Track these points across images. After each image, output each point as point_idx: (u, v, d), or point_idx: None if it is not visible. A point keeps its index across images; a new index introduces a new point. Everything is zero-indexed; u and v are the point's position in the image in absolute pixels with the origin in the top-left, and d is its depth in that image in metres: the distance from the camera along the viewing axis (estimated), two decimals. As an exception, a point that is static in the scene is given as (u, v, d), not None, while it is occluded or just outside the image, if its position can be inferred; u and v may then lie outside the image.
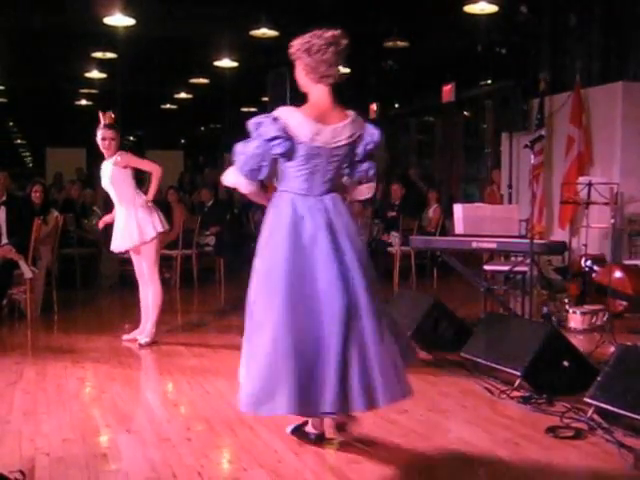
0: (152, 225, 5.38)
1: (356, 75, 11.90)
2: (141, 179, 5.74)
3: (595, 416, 3.50)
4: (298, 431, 3.34)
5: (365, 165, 3.29)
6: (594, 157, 7.95)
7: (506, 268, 6.53)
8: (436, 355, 4.92)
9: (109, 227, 5.74)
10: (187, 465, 3.04)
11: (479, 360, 4.40)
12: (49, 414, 3.77)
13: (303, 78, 3.17)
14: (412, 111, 12.88)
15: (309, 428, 3.30)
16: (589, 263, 6.65)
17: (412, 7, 9.01)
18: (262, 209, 3.45)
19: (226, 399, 3.97)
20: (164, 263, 6.46)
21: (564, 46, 8.83)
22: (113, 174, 5.35)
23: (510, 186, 8.76)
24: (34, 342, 5.81)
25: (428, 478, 3.02)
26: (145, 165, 5.52)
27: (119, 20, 8.87)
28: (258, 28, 9.27)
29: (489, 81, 9.88)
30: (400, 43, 10.06)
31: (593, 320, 5.89)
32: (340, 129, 3.09)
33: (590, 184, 6.29)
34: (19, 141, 24.21)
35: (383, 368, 2.98)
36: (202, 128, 20.98)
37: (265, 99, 9.48)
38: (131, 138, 19.85)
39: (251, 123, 3.06)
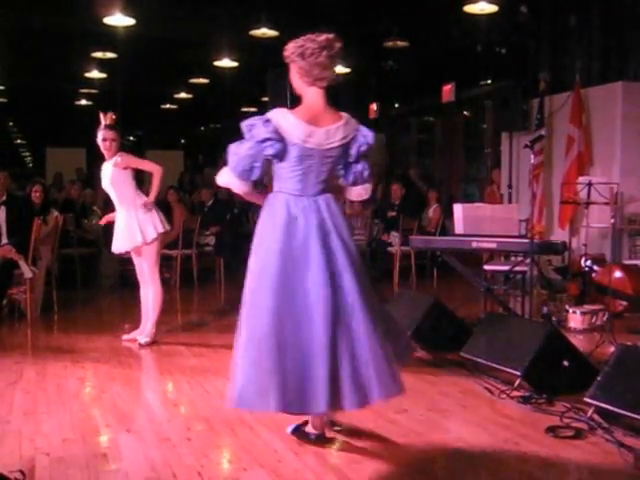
0: (153, 226, 5.39)
1: (356, 75, 11.93)
2: (141, 179, 5.74)
3: (595, 416, 3.50)
4: (298, 431, 3.34)
5: (359, 166, 3.35)
6: (594, 157, 7.95)
7: (506, 268, 6.53)
8: (436, 355, 4.92)
9: (109, 228, 5.74)
10: (187, 465, 3.04)
11: (479, 360, 4.40)
12: (49, 414, 3.77)
13: (297, 81, 3.22)
14: (412, 111, 12.88)
15: (309, 428, 3.31)
16: (589, 263, 6.66)
17: (412, 7, 9.02)
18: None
19: (226, 399, 3.97)
20: (164, 263, 6.46)
21: (564, 46, 8.84)
22: (113, 175, 5.35)
23: (510, 186, 8.76)
24: (34, 342, 5.81)
25: (428, 478, 3.02)
26: (145, 165, 5.52)
27: (119, 20, 8.87)
28: (258, 28, 9.27)
29: (489, 81, 9.88)
30: (400, 43, 10.06)
31: (593, 320, 5.89)
32: (333, 131, 3.15)
33: (590, 184, 6.28)
34: (19, 141, 24.19)
35: (375, 366, 3.01)
36: (202, 128, 20.97)
37: (265, 99, 9.49)
38: (131, 138, 19.85)
39: (244, 125, 3.10)
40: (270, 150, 3.07)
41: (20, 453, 3.19)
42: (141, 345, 5.42)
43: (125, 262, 7.54)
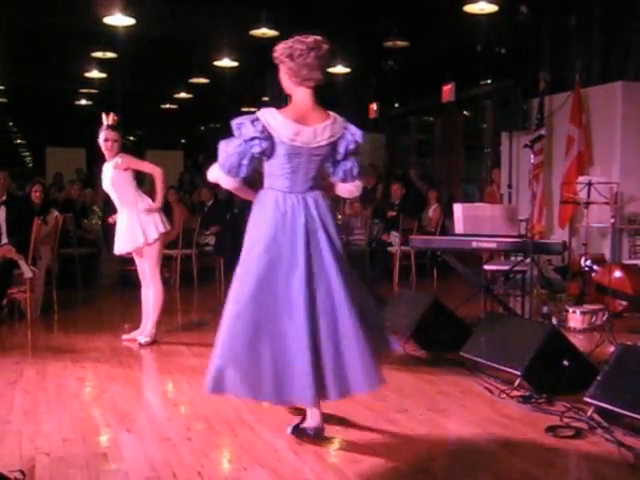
0: (154, 226, 5.39)
1: (356, 75, 11.93)
2: (141, 180, 5.74)
3: (595, 415, 3.50)
4: (297, 430, 3.35)
5: (349, 163, 3.42)
6: (594, 157, 7.96)
7: (506, 268, 6.53)
8: (436, 355, 4.92)
9: (109, 228, 5.74)
10: (187, 465, 3.04)
11: (479, 360, 4.40)
12: (49, 414, 3.78)
13: (286, 81, 3.31)
14: (412, 111, 12.88)
15: (307, 424, 3.32)
16: (589, 263, 6.66)
17: (412, 7, 9.02)
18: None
19: (226, 399, 3.96)
20: (164, 263, 6.46)
21: (564, 46, 8.84)
22: (114, 177, 5.35)
23: (510, 186, 8.76)
24: (34, 342, 5.81)
25: (428, 477, 3.02)
26: (146, 167, 5.52)
27: (119, 20, 8.87)
28: (258, 28, 9.28)
29: (489, 81, 9.88)
30: (400, 43, 10.06)
31: (593, 320, 5.89)
32: (321, 130, 3.23)
33: (590, 184, 6.28)
34: (19, 141, 24.19)
35: (358, 359, 3.13)
36: (202, 128, 20.98)
37: (265, 99, 9.49)
38: (131, 138, 19.85)
39: (234, 123, 3.21)
40: (257, 148, 3.17)
41: (20, 453, 3.19)
42: (141, 345, 5.42)
43: (125, 262, 7.54)
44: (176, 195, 9.85)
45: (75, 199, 10.64)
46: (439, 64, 10.95)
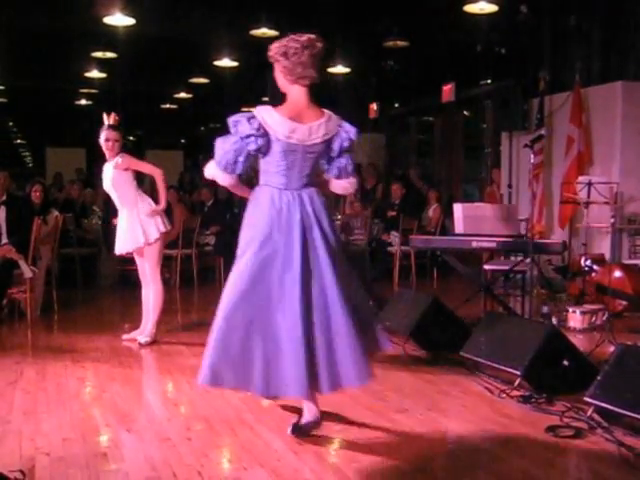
0: (155, 226, 5.39)
1: (356, 75, 11.92)
2: (142, 180, 5.74)
3: (595, 415, 3.50)
4: (297, 428, 3.36)
5: (343, 160, 3.46)
6: (594, 157, 7.96)
7: (506, 268, 6.54)
8: (436, 354, 4.92)
9: (109, 228, 5.74)
10: (187, 464, 3.04)
11: (479, 359, 4.41)
12: (49, 413, 3.78)
13: (281, 79, 3.36)
14: (412, 111, 12.87)
15: (304, 419, 3.35)
16: (589, 263, 6.66)
17: (412, 7, 9.01)
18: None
19: (226, 398, 3.98)
20: (164, 263, 6.46)
21: (564, 46, 8.83)
22: (114, 177, 5.36)
23: (510, 186, 8.77)
24: (34, 342, 5.81)
25: (428, 477, 3.02)
26: (145, 168, 5.52)
27: (119, 20, 8.86)
28: (258, 28, 9.27)
29: (489, 81, 9.87)
30: (400, 43, 10.05)
31: (593, 319, 5.89)
32: (316, 127, 3.28)
33: (590, 183, 6.28)
34: (19, 141, 24.20)
35: (349, 354, 3.19)
36: (202, 128, 20.98)
37: (265, 99, 9.49)
38: (131, 138, 19.85)
39: (230, 120, 3.26)
40: (253, 145, 3.22)
41: (20, 453, 3.19)
42: (141, 345, 5.42)
43: (125, 262, 7.54)
44: (176, 195, 9.85)
45: (75, 199, 10.64)
46: (439, 64, 10.94)
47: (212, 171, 3.35)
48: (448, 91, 10.04)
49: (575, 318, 5.89)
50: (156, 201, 5.55)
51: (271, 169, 3.30)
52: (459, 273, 6.27)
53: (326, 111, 3.36)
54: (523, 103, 8.55)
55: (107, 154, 5.41)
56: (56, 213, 7.42)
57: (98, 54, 11.01)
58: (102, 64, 11.99)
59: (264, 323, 3.17)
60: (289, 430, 3.36)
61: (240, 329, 3.16)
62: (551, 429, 3.44)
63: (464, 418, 3.72)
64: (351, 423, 3.57)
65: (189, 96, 15.74)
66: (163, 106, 17.86)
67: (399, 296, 5.79)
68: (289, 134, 3.22)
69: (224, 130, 3.34)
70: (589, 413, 3.53)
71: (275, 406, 3.79)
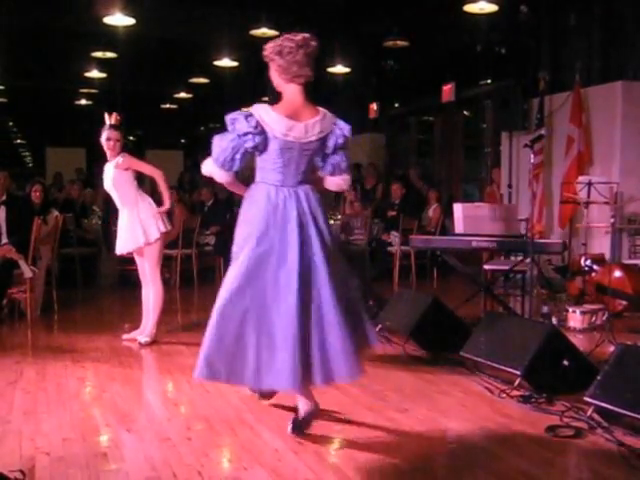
0: (155, 226, 5.39)
1: (356, 75, 11.92)
2: (142, 179, 5.74)
3: (595, 415, 3.50)
4: (296, 424, 3.39)
5: (337, 157, 3.49)
6: (594, 156, 7.96)
7: (506, 267, 6.54)
8: (436, 354, 4.92)
9: (109, 228, 5.74)
10: (187, 464, 3.04)
11: (479, 359, 4.40)
12: (49, 413, 3.78)
13: (276, 78, 3.40)
14: (412, 111, 12.87)
15: (300, 413, 3.38)
16: (589, 262, 6.66)
17: (412, 7, 9.02)
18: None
19: (226, 398, 3.98)
20: (164, 263, 6.46)
21: (564, 46, 8.84)
22: (115, 176, 5.36)
23: (510, 185, 8.77)
24: (34, 342, 5.81)
25: (428, 477, 3.02)
26: (146, 169, 5.52)
27: (119, 20, 8.87)
28: (258, 28, 9.28)
29: (489, 81, 9.88)
30: (400, 43, 10.06)
31: (593, 319, 5.89)
32: (311, 125, 3.32)
33: (590, 183, 6.29)
34: (19, 141, 24.21)
35: (341, 350, 3.23)
36: (202, 128, 20.98)
37: (265, 99, 9.49)
38: (131, 138, 19.85)
39: (228, 118, 3.29)
40: (250, 143, 3.25)
41: (20, 453, 3.19)
42: (141, 345, 5.42)
43: (125, 262, 7.53)
44: (176, 195, 9.83)
45: (75, 199, 10.64)
46: (439, 64, 10.95)
47: (209, 168, 3.39)
48: (448, 91, 10.04)
49: (575, 318, 5.89)
50: (156, 201, 5.56)
51: (267, 166, 3.34)
52: (459, 273, 6.27)
53: (321, 109, 3.40)
54: (523, 103, 8.55)
55: (108, 154, 5.41)
56: (56, 213, 7.42)
57: (98, 54, 11.03)
58: (102, 64, 12.00)
59: (259, 317, 3.21)
60: (289, 429, 3.37)
61: (235, 323, 3.22)
62: (551, 429, 3.44)
63: (464, 418, 3.72)
64: (351, 423, 3.57)
65: (189, 96, 15.75)
66: (163, 106, 17.87)
67: (399, 296, 5.79)
68: (286, 132, 3.26)
69: (224, 130, 3.36)
70: (589, 413, 3.53)
71: (275, 406, 3.79)
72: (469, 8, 8.18)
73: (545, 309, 6.19)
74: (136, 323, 5.73)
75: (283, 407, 3.74)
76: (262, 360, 3.18)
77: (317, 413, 3.41)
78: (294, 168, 3.34)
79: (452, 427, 3.63)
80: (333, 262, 3.33)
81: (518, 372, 3.98)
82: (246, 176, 3.76)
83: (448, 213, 7.81)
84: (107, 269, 9.24)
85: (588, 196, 6.29)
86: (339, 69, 11.43)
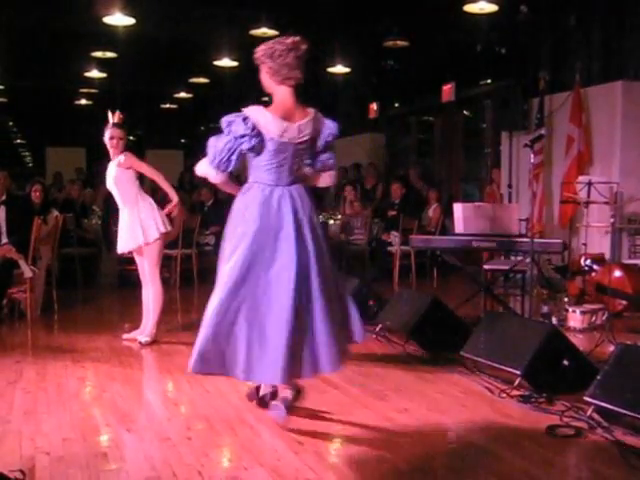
0: (155, 226, 5.39)
1: (356, 75, 11.92)
2: (141, 179, 5.75)
3: (595, 415, 3.50)
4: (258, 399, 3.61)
5: (325, 155, 3.65)
6: (594, 156, 7.96)
7: (506, 267, 6.54)
8: (436, 354, 4.92)
9: (109, 228, 5.75)
10: (187, 464, 3.04)
11: (479, 359, 4.41)
12: (49, 413, 3.78)
13: (267, 80, 3.49)
14: (412, 111, 12.87)
15: (282, 396, 3.53)
16: (589, 262, 6.66)
17: (412, 7, 9.01)
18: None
19: (226, 398, 3.98)
20: (164, 263, 6.46)
21: (564, 46, 8.83)
22: (117, 175, 5.37)
23: (510, 185, 8.77)
24: (34, 341, 5.81)
25: (428, 477, 3.02)
26: (146, 171, 5.51)
27: (119, 20, 8.86)
28: (258, 28, 9.27)
29: (489, 81, 9.88)
30: (400, 43, 10.05)
31: (593, 319, 5.89)
32: (304, 126, 3.43)
33: (590, 183, 6.29)
34: (19, 141, 24.21)
35: (328, 344, 3.34)
36: (202, 128, 20.99)
37: (265, 99, 9.49)
38: (131, 138, 19.85)
39: (224, 121, 3.36)
40: (247, 145, 3.34)
41: (20, 452, 3.19)
42: (141, 344, 5.42)
43: (125, 262, 7.54)
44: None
45: (75, 199, 10.64)
46: (439, 64, 10.95)
47: (204, 169, 3.48)
48: (448, 91, 10.05)
49: (575, 318, 5.89)
50: (156, 201, 5.57)
51: (262, 166, 3.42)
52: (459, 273, 6.27)
53: (310, 109, 3.49)
54: (523, 103, 8.56)
55: (111, 152, 5.43)
56: (56, 213, 7.43)
57: (98, 54, 11.02)
58: (102, 64, 11.99)
59: (252, 314, 3.30)
60: (274, 411, 3.49)
61: (230, 320, 3.30)
62: (551, 429, 3.44)
63: (464, 418, 3.72)
64: (351, 423, 3.57)
65: (189, 96, 15.74)
66: (163, 106, 17.86)
67: (399, 296, 5.80)
68: (281, 133, 3.35)
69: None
70: (589, 413, 3.53)
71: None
72: (469, 8, 8.18)
73: (545, 309, 6.19)
74: (136, 323, 5.73)
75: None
76: (253, 355, 3.26)
77: (300, 396, 3.59)
78: (287, 168, 3.43)
79: (452, 427, 3.63)
80: (325, 258, 3.44)
81: (518, 372, 3.99)
82: (235, 175, 3.79)
83: (448, 213, 7.82)
84: (107, 269, 9.24)
85: (588, 196, 6.29)
86: (339, 69, 11.43)
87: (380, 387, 4.23)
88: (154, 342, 5.47)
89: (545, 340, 4.03)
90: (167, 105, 17.77)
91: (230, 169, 3.43)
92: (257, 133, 3.32)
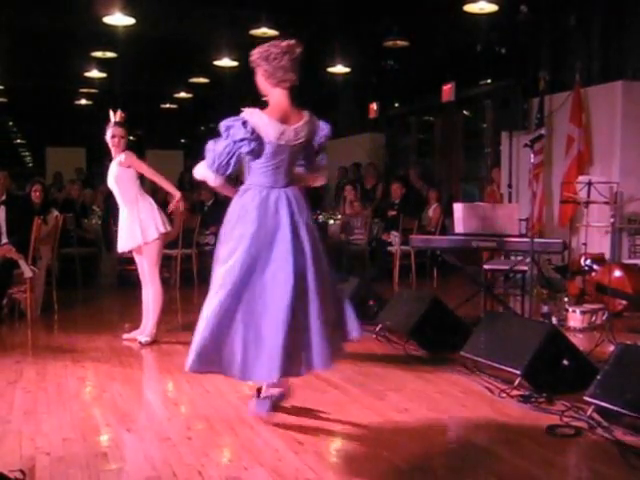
0: (155, 226, 5.40)
1: (356, 75, 11.92)
2: (142, 179, 5.75)
3: (595, 415, 3.50)
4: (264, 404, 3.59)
5: (319, 156, 3.72)
6: (594, 156, 7.96)
7: (506, 267, 6.54)
8: (436, 354, 4.92)
9: (109, 228, 5.75)
10: (187, 464, 3.04)
11: (479, 359, 4.41)
12: (49, 413, 3.78)
13: (263, 83, 3.53)
14: (412, 111, 12.87)
15: (273, 393, 3.61)
16: (589, 262, 6.66)
17: (412, 6, 9.01)
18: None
19: (226, 398, 3.98)
20: (164, 263, 6.46)
21: (564, 46, 8.84)
22: (118, 173, 5.38)
23: (510, 185, 8.77)
24: (34, 341, 5.81)
25: (428, 477, 3.02)
26: (146, 171, 5.51)
27: (119, 19, 8.87)
28: (258, 28, 9.27)
29: (489, 80, 9.88)
30: (400, 43, 10.06)
31: (593, 319, 5.89)
32: (300, 128, 3.47)
33: (590, 183, 6.29)
34: (19, 141, 24.20)
35: (321, 341, 3.37)
36: (202, 128, 20.99)
37: (265, 98, 9.48)
38: (131, 138, 19.85)
39: (222, 125, 3.39)
40: (246, 148, 3.36)
41: (20, 452, 3.19)
42: (141, 344, 5.42)
43: (125, 262, 7.53)
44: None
45: (75, 199, 10.64)
46: (439, 64, 10.94)
47: (203, 172, 3.51)
48: (448, 91, 10.04)
49: (575, 318, 5.89)
50: (156, 201, 5.57)
51: (259, 169, 3.45)
52: (459, 273, 6.27)
53: (305, 111, 3.53)
54: (523, 103, 8.56)
55: (113, 150, 5.44)
56: (56, 213, 7.43)
57: (98, 54, 11.02)
58: (102, 64, 11.99)
59: (250, 314, 3.33)
60: (256, 407, 3.58)
61: (228, 321, 3.34)
62: (551, 428, 3.44)
63: (464, 418, 3.72)
64: (351, 423, 3.57)
65: (189, 96, 15.74)
66: (163, 106, 17.86)
67: (399, 296, 5.80)
68: (279, 136, 3.39)
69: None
70: (589, 412, 3.53)
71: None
72: (469, 8, 8.18)
73: (545, 309, 6.19)
74: (136, 323, 5.73)
75: (283, 408, 3.74)
76: (250, 354, 3.30)
77: (287, 398, 3.68)
78: (284, 170, 3.48)
79: (452, 427, 3.64)
80: (320, 260, 3.48)
81: (518, 372, 3.99)
82: (235, 175, 3.81)
83: (448, 213, 7.82)
84: (107, 269, 9.24)
85: (588, 196, 6.30)
86: (339, 69, 11.43)
87: (380, 387, 4.23)
88: (154, 342, 5.47)
89: (545, 340, 4.03)
90: (167, 105, 17.77)
91: (228, 172, 3.46)
92: (256, 137, 3.35)
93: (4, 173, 6.84)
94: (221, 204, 10.26)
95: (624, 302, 6.29)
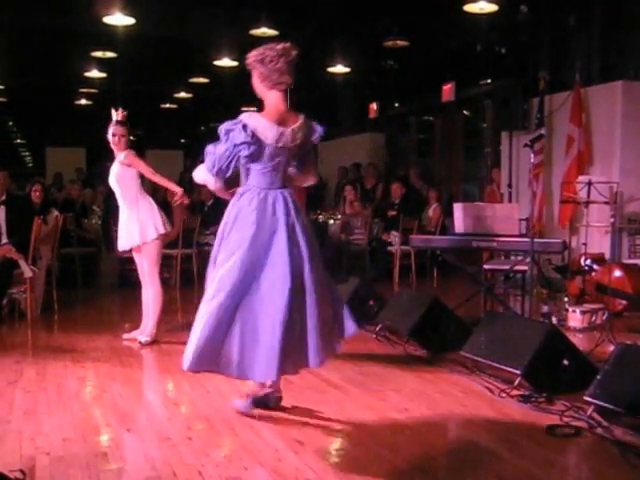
0: (154, 226, 5.39)
1: (356, 75, 11.92)
2: (143, 180, 5.76)
3: (595, 415, 3.50)
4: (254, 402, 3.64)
5: (311, 157, 3.79)
6: (594, 156, 7.96)
7: (506, 267, 6.54)
8: (436, 354, 4.92)
9: (109, 228, 5.75)
10: (187, 464, 3.04)
11: (479, 359, 4.41)
12: (49, 413, 3.78)
13: (258, 85, 3.56)
14: (412, 111, 12.88)
15: (266, 393, 3.65)
16: (589, 262, 6.66)
17: (412, 6, 9.02)
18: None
19: (226, 398, 3.98)
20: (164, 262, 6.46)
21: (564, 46, 8.84)
22: (119, 172, 5.39)
23: (510, 185, 8.77)
24: (34, 341, 5.81)
25: (428, 477, 3.02)
26: (145, 171, 5.50)
27: (119, 19, 8.87)
28: (258, 28, 9.28)
29: (489, 80, 9.88)
30: (400, 43, 10.06)
31: (593, 319, 5.89)
32: (297, 130, 3.51)
33: (590, 183, 6.29)
34: (19, 141, 24.20)
35: (315, 339, 3.41)
36: (202, 128, 20.99)
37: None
38: (131, 138, 19.84)
39: (222, 129, 3.43)
40: (245, 152, 3.40)
41: (20, 452, 3.19)
42: (141, 344, 5.42)
43: (125, 262, 7.53)
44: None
45: (75, 199, 10.64)
46: (439, 64, 10.95)
47: (203, 176, 3.58)
48: (448, 91, 10.04)
49: (575, 317, 5.89)
50: (157, 201, 5.58)
51: (257, 171, 3.49)
52: (459, 273, 6.27)
53: (300, 114, 3.57)
54: (523, 103, 8.56)
55: (114, 149, 5.44)
56: (56, 213, 7.42)
57: (98, 54, 11.03)
58: (102, 64, 12.00)
59: (248, 315, 3.36)
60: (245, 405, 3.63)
61: (226, 323, 3.36)
62: (551, 428, 3.44)
63: (464, 418, 3.72)
64: (351, 423, 3.57)
65: (189, 96, 15.74)
66: (163, 106, 17.86)
67: (399, 296, 5.80)
68: (277, 138, 3.43)
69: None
70: (589, 412, 3.53)
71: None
72: (469, 8, 8.18)
73: (545, 309, 6.19)
74: (136, 323, 5.73)
75: (283, 408, 3.74)
76: (246, 354, 3.33)
77: (277, 400, 3.71)
78: (280, 171, 3.53)
79: (452, 427, 3.64)
80: (316, 259, 3.51)
81: (518, 372, 3.99)
82: (235, 175, 3.82)
83: (448, 213, 7.82)
84: (107, 269, 9.24)
85: (588, 196, 6.29)
86: (339, 69, 11.44)
87: (380, 387, 4.23)
88: (154, 342, 5.47)
89: (545, 340, 4.03)
90: (167, 105, 17.77)
91: (227, 175, 3.51)
92: (256, 140, 3.39)
93: (4, 173, 6.83)
94: (221, 204, 10.26)
95: (624, 302, 6.30)
